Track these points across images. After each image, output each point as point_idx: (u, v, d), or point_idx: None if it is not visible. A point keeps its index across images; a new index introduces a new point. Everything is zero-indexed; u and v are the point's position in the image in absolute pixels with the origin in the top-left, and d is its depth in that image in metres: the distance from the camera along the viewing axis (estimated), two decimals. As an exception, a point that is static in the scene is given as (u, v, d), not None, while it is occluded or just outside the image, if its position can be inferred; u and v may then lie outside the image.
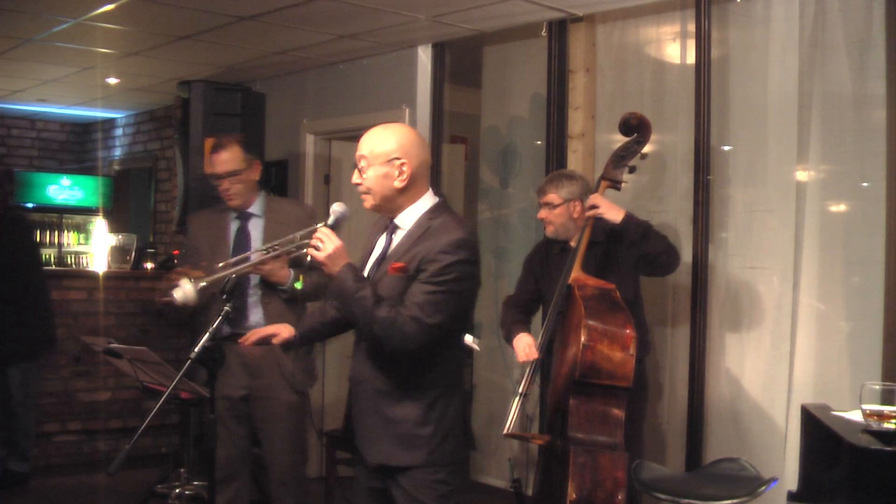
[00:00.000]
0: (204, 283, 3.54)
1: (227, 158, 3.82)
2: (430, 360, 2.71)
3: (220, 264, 3.56)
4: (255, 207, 3.92)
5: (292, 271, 3.75)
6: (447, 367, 2.76)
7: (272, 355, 3.80)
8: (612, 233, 3.75)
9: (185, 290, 3.53)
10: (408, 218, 2.75)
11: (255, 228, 3.91)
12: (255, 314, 3.83)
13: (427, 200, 2.76)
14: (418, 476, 2.70)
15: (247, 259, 3.64)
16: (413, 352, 2.64)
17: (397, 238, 2.76)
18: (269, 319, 3.78)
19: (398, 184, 2.69)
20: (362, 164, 2.71)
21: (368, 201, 2.74)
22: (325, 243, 2.67)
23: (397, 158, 2.68)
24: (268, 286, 3.78)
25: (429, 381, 2.71)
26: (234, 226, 3.92)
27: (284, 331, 3.02)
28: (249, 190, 3.88)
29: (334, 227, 2.74)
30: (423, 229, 2.70)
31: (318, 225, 2.74)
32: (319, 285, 3.81)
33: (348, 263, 2.69)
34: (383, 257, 2.77)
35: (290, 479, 3.87)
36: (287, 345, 3.07)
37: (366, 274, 2.78)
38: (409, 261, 2.66)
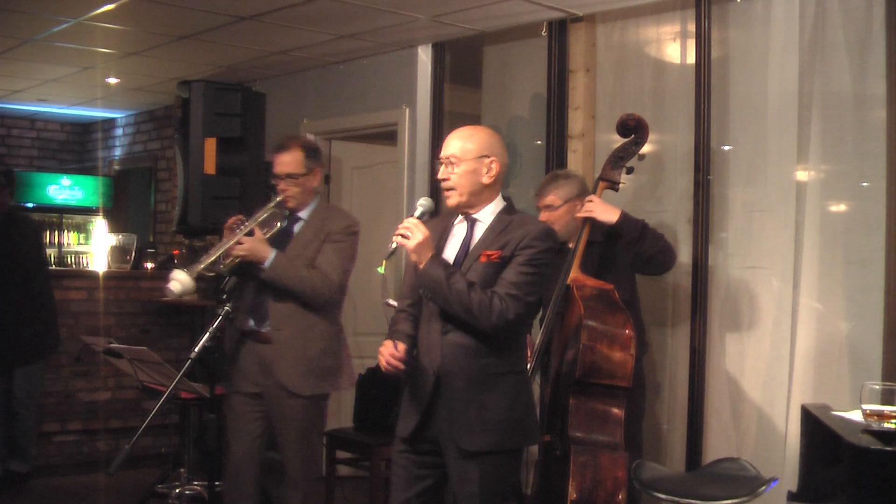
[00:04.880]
0: (201, 267, 3.58)
1: (288, 161, 3.84)
2: (512, 345, 2.92)
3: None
4: (305, 212, 3.92)
5: (273, 250, 3.74)
6: (521, 351, 3.01)
7: (288, 353, 3.78)
8: (610, 232, 3.75)
9: (181, 281, 3.55)
10: (487, 214, 2.97)
11: (298, 231, 3.92)
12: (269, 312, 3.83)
13: (501, 200, 3.02)
14: (503, 459, 2.88)
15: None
16: (507, 329, 2.81)
17: (479, 231, 2.96)
18: (275, 318, 3.79)
19: (486, 180, 2.93)
20: (452, 160, 2.91)
21: (453, 198, 2.94)
22: (413, 233, 2.82)
23: (487, 156, 2.92)
24: (277, 289, 3.77)
25: (513, 366, 2.92)
26: (281, 225, 3.91)
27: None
28: (305, 194, 3.88)
29: (420, 220, 2.90)
30: (504, 223, 2.93)
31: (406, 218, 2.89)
32: (288, 270, 3.76)
33: (437, 255, 2.86)
34: (466, 248, 2.94)
35: (300, 480, 3.83)
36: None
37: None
38: (501, 248, 2.86)
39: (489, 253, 2.86)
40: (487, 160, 2.92)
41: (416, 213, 2.93)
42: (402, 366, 2.89)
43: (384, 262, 2.88)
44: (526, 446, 3.04)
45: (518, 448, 2.97)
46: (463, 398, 2.85)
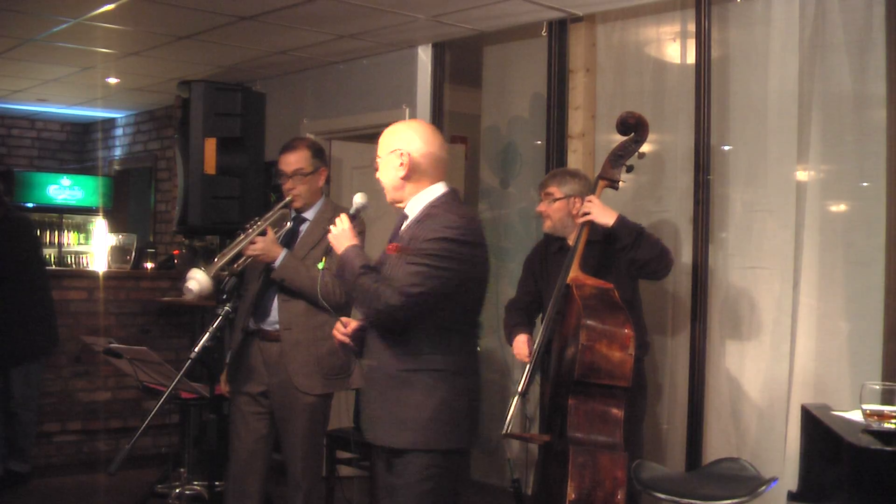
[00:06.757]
0: (218, 267, 3.60)
1: (295, 159, 3.86)
2: (434, 345, 2.82)
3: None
4: (311, 212, 3.92)
5: (284, 250, 3.75)
6: (452, 354, 2.85)
7: (298, 352, 3.78)
8: (608, 233, 3.75)
9: (199, 280, 3.57)
10: (414, 206, 2.93)
11: (304, 231, 3.92)
12: (275, 312, 3.83)
13: (436, 190, 2.93)
14: (412, 459, 2.80)
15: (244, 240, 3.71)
16: (390, 316, 2.75)
17: (405, 225, 2.95)
18: (285, 318, 3.79)
19: (400, 172, 2.90)
20: (377, 158, 2.95)
21: (386, 194, 2.98)
22: (336, 226, 2.95)
23: (397, 149, 2.90)
24: (285, 288, 3.78)
25: (432, 366, 2.81)
26: (289, 226, 3.91)
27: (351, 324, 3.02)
28: (312, 193, 3.90)
29: (354, 216, 3.01)
30: (424, 215, 2.88)
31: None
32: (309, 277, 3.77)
33: (354, 245, 2.92)
34: (390, 243, 2.96)
35: (303, 480, 3.80)
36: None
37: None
38: (407, 242, 2.85)
39: (392, 246, 2.90)
40: (398, 153, 2.89)
41: (350, 211, 3.03)
42: (348, 340, 2.94)
43: (324, 258, 3.03)
44: (452, 448, 2.84)
45: (441, 449, 2.80)
46: (378, 392, 2.87)
